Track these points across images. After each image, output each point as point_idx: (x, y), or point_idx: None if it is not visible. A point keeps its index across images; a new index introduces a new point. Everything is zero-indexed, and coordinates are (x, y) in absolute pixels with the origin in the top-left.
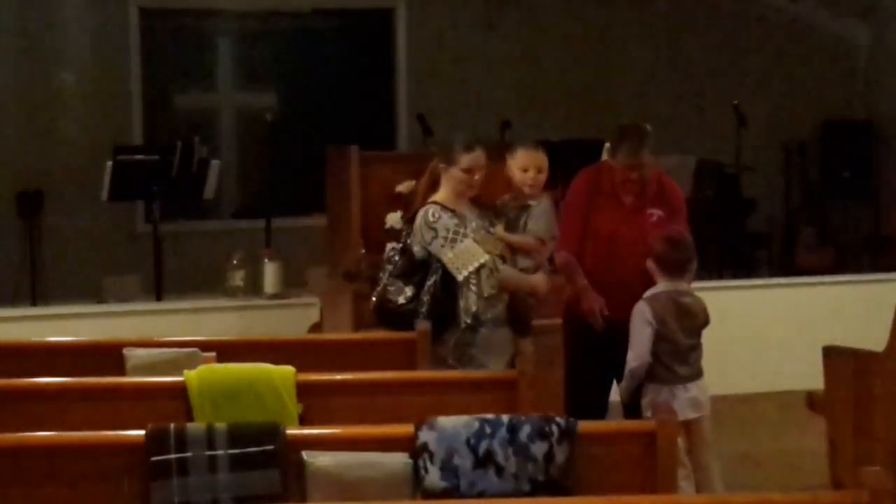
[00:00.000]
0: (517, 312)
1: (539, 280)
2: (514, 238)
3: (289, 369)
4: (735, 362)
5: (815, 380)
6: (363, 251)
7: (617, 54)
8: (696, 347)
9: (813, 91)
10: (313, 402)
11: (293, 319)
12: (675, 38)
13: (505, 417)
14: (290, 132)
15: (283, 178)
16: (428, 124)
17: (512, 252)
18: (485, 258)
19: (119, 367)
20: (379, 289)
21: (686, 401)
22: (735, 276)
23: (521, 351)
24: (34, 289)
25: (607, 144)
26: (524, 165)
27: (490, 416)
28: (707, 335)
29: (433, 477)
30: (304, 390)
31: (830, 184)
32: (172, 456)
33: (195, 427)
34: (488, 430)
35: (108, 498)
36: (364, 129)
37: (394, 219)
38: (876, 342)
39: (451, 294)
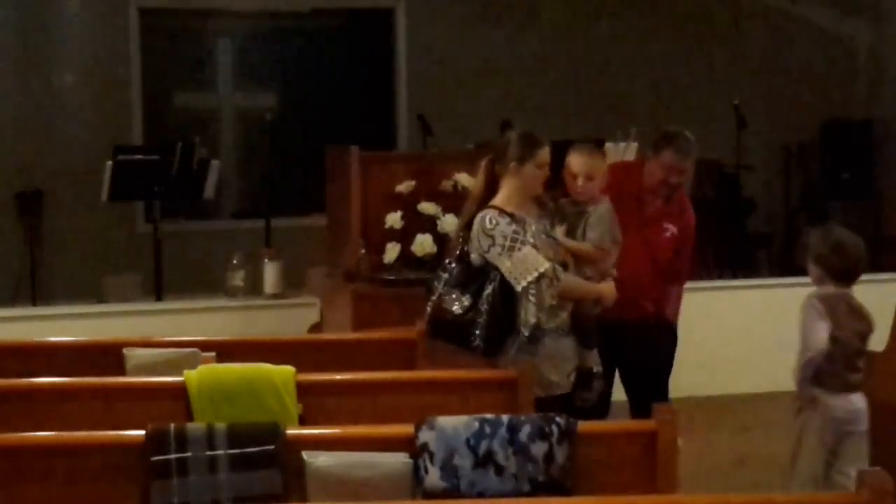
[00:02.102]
0: (581, 322)
1: (605, 288)
2: (574, 245)
3: (289, 369)
4: (735, 362)
5: None
6: (363, 251)
7: (616, 54)
8: (864, 354)
9: (813, 91)
10: (313, 402)
11: (293, 319)
12: (674, 38)
13: (505, 417)
14: (290, 132)
15: (283, 178)
16: (428, 124)
17: (575, 259)
18: (544, 267)
19: (119, 367)
20: (434, 299)
21: (847, 414)
22: (735, 276)
23: (586, 362)
24: (34, 289)
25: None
26: (573, 172)
27: (490, 416)
28: (707, 335)
29: (433, 477)
30: (304, 390)
31: (830, 184)
32: (172, 456)
33: (195, 427)
34: (488, 430)
35: (108, 498)
36: (364, 129)
37: (394, 219)
38: (876, 342)
39: (511, 303)
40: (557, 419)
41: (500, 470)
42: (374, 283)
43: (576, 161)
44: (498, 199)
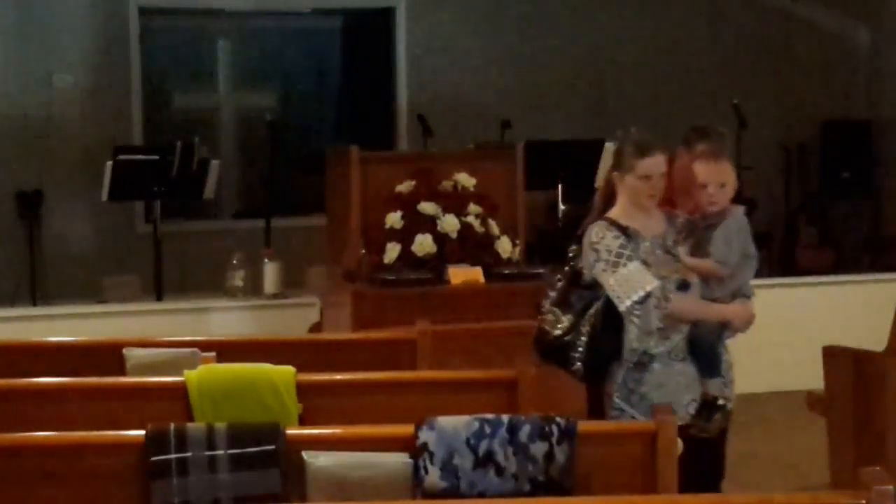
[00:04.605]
0: (700, 347)
1: (733, 310)
2: (694, 262)
3: (289, 369)
4: (735, 362)
5: (815, 380)
6: (363, 251)
7: (616, 54)
8: None
9: (813, 91)
10: (313, 402)
11: (293, 319)
12: (675, 39)
13: (505, 417)
14: (290, 132)
15: (283, 178)
16: (428, 124)
17: (702, 278)
18: (652, 286)
19: (119, 367)
20: (539, 318)
21: None
22: None
23: (707, 391)
24: (34, 289)
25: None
26: (703, 181)
27: (490, 416)
28: None
29: (433, 477)
30: (304, 390)
31: (830, 184)
32: (172, 456)
33: (195, 427)
34: (488, 430)
35: (108, 498)
36: (364, 129)
37: (394, 219)
38: (876, 342)
39: (616, 325)
40: (557, 419)
41: (500, 470)
42: (374, 283)
43: (703, 169)
44: (614, 211)
